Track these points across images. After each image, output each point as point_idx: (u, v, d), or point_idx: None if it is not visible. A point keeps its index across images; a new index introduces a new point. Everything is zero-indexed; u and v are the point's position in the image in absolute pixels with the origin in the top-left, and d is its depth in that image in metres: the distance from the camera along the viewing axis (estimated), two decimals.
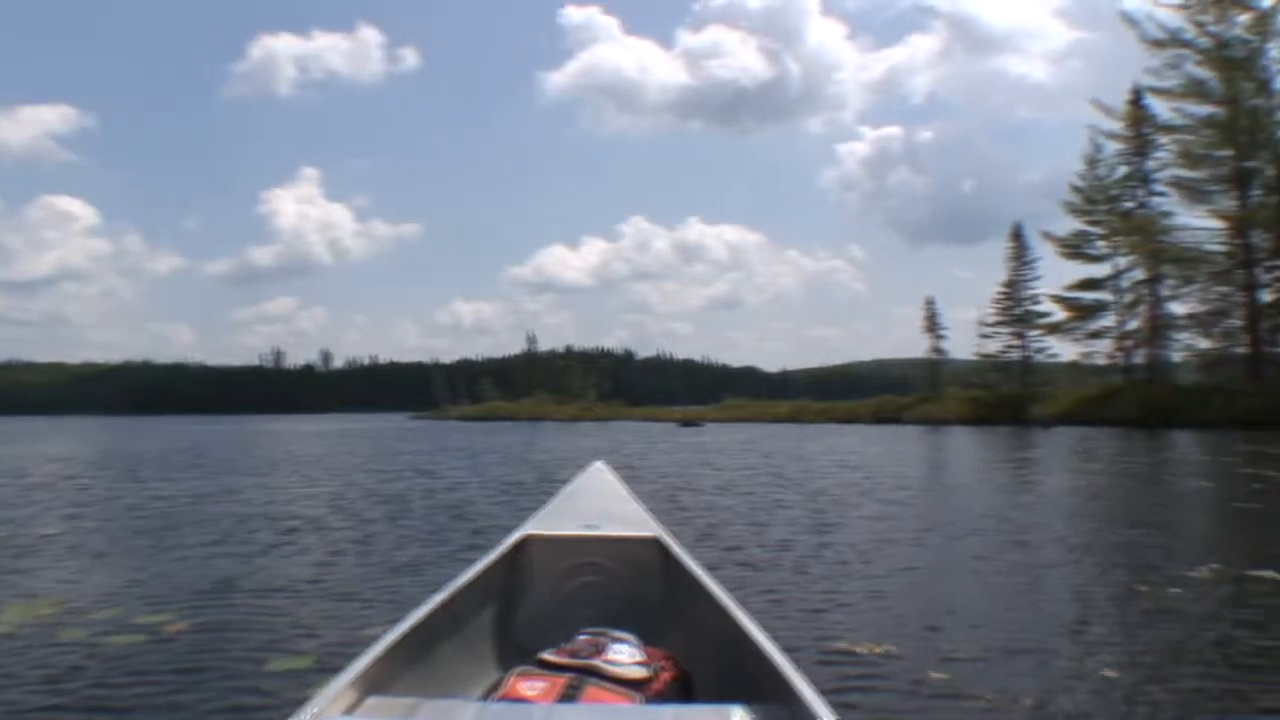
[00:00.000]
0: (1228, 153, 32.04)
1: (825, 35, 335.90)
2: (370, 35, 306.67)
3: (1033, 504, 9.19)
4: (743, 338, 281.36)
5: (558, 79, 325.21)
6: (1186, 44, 32.65)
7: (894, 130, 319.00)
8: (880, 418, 40.52)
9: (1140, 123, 35.78)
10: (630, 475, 12.74)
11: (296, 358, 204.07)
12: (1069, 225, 38.58)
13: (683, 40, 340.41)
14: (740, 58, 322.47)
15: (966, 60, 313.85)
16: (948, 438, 26.05)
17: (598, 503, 3.38)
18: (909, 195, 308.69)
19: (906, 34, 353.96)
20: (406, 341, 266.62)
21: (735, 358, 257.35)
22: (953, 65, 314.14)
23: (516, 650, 2.53)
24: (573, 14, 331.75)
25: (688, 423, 44.21)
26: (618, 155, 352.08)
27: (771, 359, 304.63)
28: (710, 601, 2.37)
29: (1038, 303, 41.68)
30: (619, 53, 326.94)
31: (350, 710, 1.74)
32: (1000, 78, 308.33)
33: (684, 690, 2.17)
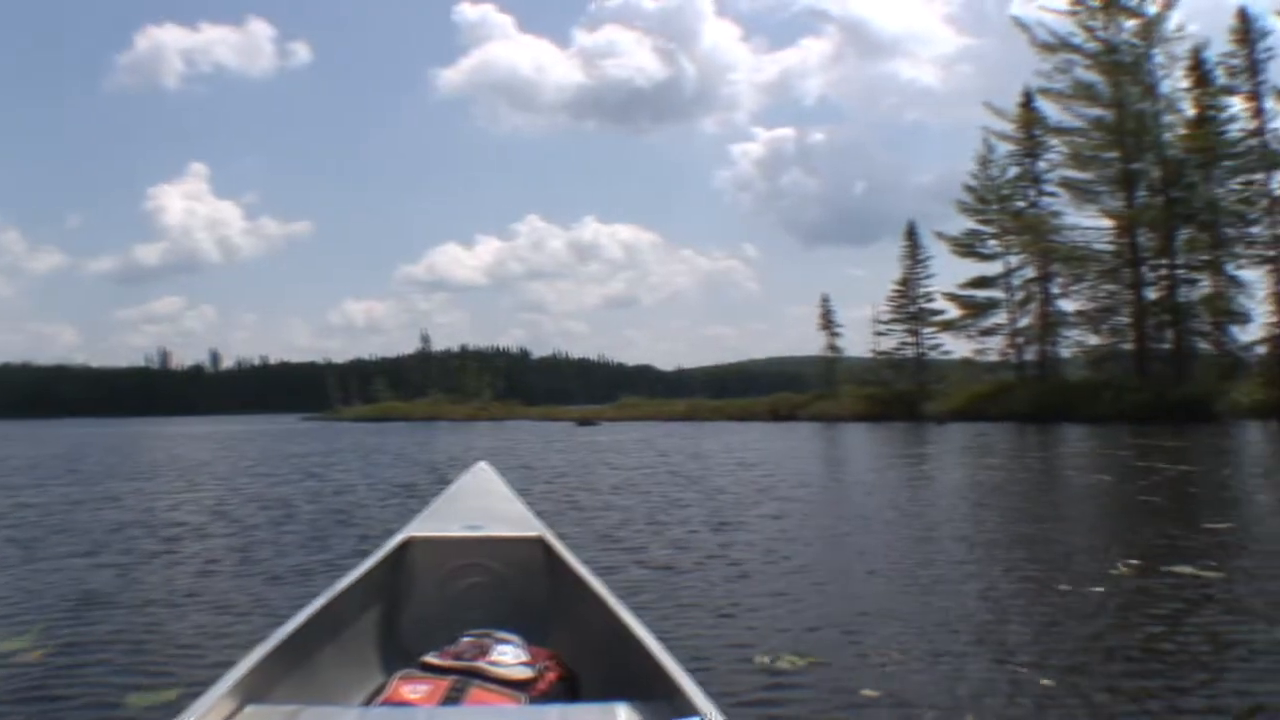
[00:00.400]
0: (1115, 155, 33.47)
1: (720, 36, 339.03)
2: (260, 29, 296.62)
3: (934, 500, 9.32)
4: (639, 337, 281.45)
5: (451, 76, 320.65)
6: (1076, 49, 34.10)
7: (787, 132, 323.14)
8: (776, 415, 40.97)
9: (1031, 125, 37.05)
10: (527, 475, 12.73)
11: (184, 358, 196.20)
12: (960, 225, 39.80)
13: (578, 39, 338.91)
14: (636, 58, 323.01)
15: (858, 64, 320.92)
16: (844, 434, 26.55)
17: (481, 503, 3.33)
18: (802, 196, 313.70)
19: (799, 37, 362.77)
20: (298, 341, 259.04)
21: (631, 356, 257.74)
22: (844, 68, 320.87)
23: (399, 654, 2.48)
24: (467, 11, 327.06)
25: (585, 422, 44.17)
26: (513, 154, 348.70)
27: (667, 358, 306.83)
28: (594, 600, 2.37)
29: (931, 300, 42.62)
30: (514, 51, 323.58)
31: None
32: (891, 81, 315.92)
33: (569, 690, 2.15)
